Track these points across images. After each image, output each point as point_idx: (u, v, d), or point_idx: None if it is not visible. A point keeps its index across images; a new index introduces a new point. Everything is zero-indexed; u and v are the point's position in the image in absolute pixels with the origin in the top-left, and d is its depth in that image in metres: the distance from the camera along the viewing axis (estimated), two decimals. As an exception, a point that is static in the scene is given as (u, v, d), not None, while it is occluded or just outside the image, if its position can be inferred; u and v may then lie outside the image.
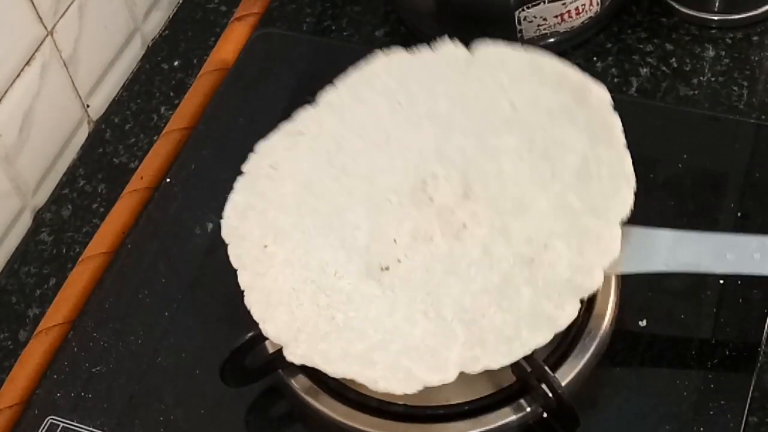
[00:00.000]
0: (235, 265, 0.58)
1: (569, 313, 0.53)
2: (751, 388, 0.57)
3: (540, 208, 0.56)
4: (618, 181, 0.55)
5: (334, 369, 0.54)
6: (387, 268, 0.57)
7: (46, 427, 0.61)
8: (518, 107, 0.59)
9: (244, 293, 0.57)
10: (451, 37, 0.74)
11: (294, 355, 0.55)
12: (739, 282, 0.60)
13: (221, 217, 0.60)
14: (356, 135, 0.61)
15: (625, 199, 0.55)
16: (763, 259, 0.53)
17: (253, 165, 0.61)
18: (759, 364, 0.58)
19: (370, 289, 0.56)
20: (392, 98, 0.62)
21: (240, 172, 0.61)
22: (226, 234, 0.59)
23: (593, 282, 0.53)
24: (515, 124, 0.59)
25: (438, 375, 0.53)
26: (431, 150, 0.60)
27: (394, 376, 0.53)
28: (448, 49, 0.62)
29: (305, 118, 0.62)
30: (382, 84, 0.62)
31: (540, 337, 0.53)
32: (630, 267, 0.55)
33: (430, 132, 0.60)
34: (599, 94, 0.58)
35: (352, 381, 0.59)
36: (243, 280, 0.57)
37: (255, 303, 0.56)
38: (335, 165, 0.60)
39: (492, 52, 0.62)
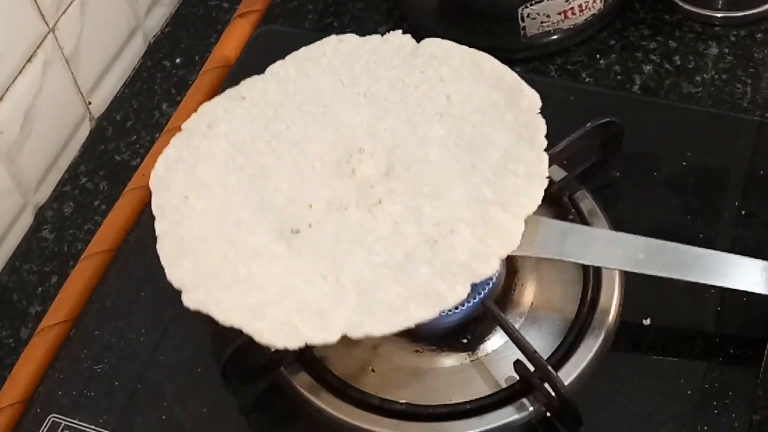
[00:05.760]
0: (155, 213, 0.59)
1: (459, 293, 0.54)
2: (757, 386, 0.57)
3: (455, 196, 0.57)
4: (532, 180, 0.57)
5: (225, 317, 0.54)
6: (298, 231, 0.57)
7: (48, 426, 0.61)
8: (453, 101, 0.61)
9: (158, 240, 0.57)
10: (453, 34, 0.74)
11: (189, 300, 0.55)
12: (743, 280, 0.60)
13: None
14: (295, 106, 0.62)
15: (535, 197, 0.56)
16: (646, 260, 0.57)
17: (192, 123, 0.63)
18: (764, 362, 0.58)
19: (278, 248, 0.57)
20: (336, 76, 0.63)
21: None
22: (152, 184, 0.60)
23: (488, 268, 0.54)
24: (447, 116, 0.61)
25: (321, 334, 0.53)
26: (363, 127, 0.61)
27: (279, 329, 0.54)
28: (397, 38, 0.64)
29: (249, 84, 0.64)
30: (329, 62, 0.64)
31: (425, 312, 0.53)
32: (523, 250, 0.57)
33: (365, 111, 0.62)
34: (531, 97, 0.60)
35: (354, 379, 0.60)
36: (159, 228, 0.58)
37: (165, 249, 0.57)
38: (270, 130, 0.62)
39: (438, 45, 0.63)
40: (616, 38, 0.75)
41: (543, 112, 0.69)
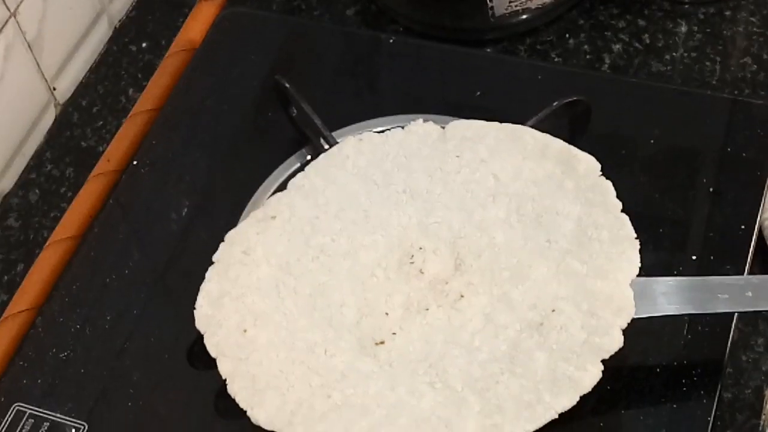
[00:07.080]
0: (213, 354, 0.55)
1: (593, 373, 0.51)
2: (725, 363, 0.57)
3: (540, 275, 0.55)
4: (621, 244, 0.55)
5: None
6: (382, 342, 0.54)
7: (12, 414, 0.60)
8: (501, 179, 0.58)
9: (227, 382, 0.54)
10: (421, 15, 0.74)
11: None
12: (712, 257, 0.60)
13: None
14: (332, 216, 0.59)
15: (631, 260, 0.54)
16: (756, 297, 0.54)
17: (224, 253, 0.59)
18: (731, 339, 0.57)
19: (366, 365, 0.54)
20: (367, 178, 0.60)
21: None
22: (200, 324, 0.56)
23: (613, 341, 0.52)
24: (501, 195, 0.58)
25: None
26: (414, 225, 0.58)
27: None
28: (420, 128, 0.61)
29: (275, 203, 0.60)
30: (354, 165, 0.61)
31: (565, 399, 0.51)
32: (643, 313, 0.54)
33: (410, 207, 0.59)
34: (587, 160, 0.58)
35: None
36: (223, 369, 0.54)
37: (240, 390, 0.54)
38: (312, 245, 0.58)
39: (467, 126, 0.60)
40: (585, 17, 0.75)
41: (513, 93, 0.69)
